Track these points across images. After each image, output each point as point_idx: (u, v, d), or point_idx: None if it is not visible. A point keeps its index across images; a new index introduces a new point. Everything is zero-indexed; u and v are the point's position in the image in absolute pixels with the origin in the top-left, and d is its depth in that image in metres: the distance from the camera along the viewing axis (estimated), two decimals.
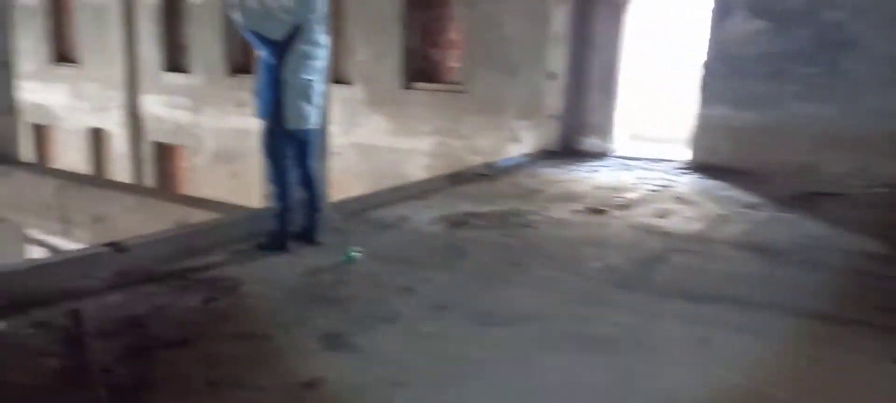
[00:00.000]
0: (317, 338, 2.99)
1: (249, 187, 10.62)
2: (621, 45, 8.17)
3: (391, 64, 9.44)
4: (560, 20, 8.06)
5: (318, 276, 3.80)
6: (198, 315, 3.21)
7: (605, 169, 7.64)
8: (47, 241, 6.44)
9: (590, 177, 7.17)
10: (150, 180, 12.38)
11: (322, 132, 4.32)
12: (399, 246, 4.55)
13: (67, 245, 6.35)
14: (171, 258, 3.92)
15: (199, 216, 5.13)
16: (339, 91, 9.04)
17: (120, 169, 12.77)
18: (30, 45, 13.77)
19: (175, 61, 12.07)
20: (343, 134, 9.42)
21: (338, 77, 9.36)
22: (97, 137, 13.37)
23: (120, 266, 3.67)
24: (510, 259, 4.32)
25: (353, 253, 4.10)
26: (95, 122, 13.23)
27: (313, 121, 4.19)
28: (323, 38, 4.17)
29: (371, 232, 4.79)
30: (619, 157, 8.25)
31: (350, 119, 9.71)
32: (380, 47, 9.52)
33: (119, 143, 12.75)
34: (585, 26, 8.21)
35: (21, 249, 6.83)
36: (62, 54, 13.72)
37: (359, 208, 5.36)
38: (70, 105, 13.60)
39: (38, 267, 3.36)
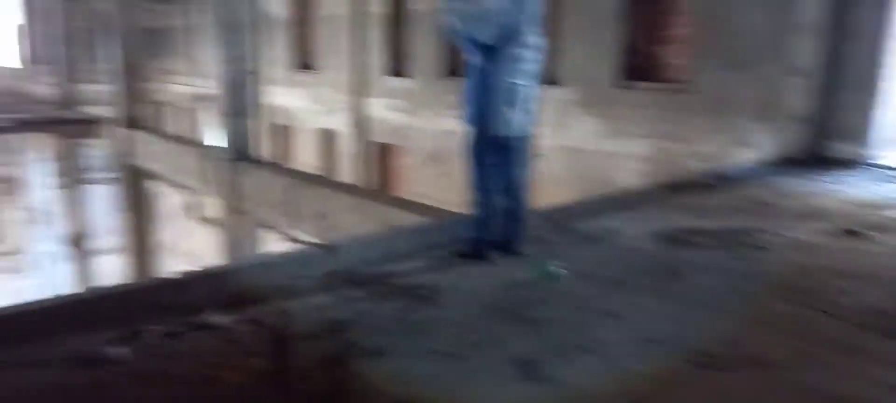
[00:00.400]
0: (510, 363, 2.78)
1: (457, 188, 10.86)
2: (889, 34, 6.80)
3: (606, 62, 8.96)
4: (809, 6, 6.94)
5: (517, 292, 3.59)
6: (395, 324, 3.18)
7: (862, 181, 6.42)
8: (280, 232, 7.10)
9: (842, 190, 6.06)
10: (371, 178, 13.28)
11: (529, 139, 4.11)
12: (606, 263, 4.17)
13: (297, 237, 6.98)
14: (376, 261, 3.98)
15: (405, 219, 5.24)
16: (549, 92, 8.79)
17: (346, 167, 13.88)
18: (278, 54, 15.58)
19: (397, 66, 12.78)
20: (551, 136, 9.15)
21: (548, 78, 9.11)
22: (328, 137, 14.68)
23: (329, 266, 3.82)
24: (737, 287, 3.72)
25: (555, 269, 3.83)
26: (327, 124, 14.53)
27: (520, 127, 3.99)
28: (535, 40, 3.94)
29: (576, 246, 4.47)
30: (882, 167, 6.89)
31: (559, 121, 9.41)
32: (595, 45, 9.08)
33: (346, 143, 13.85)
34: (842, 12, 6.98)
35: (256, 238, 7.67)
36: (303, 61, 15.29)
37: (563, 217, 5.07)
38: (308, 108, 15.11)
39: (259, 265, 3.60)
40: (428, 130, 11.90)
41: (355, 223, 5.86)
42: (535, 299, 3.49)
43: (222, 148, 7.69)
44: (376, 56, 12.96)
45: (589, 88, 9.27)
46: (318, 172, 13.83)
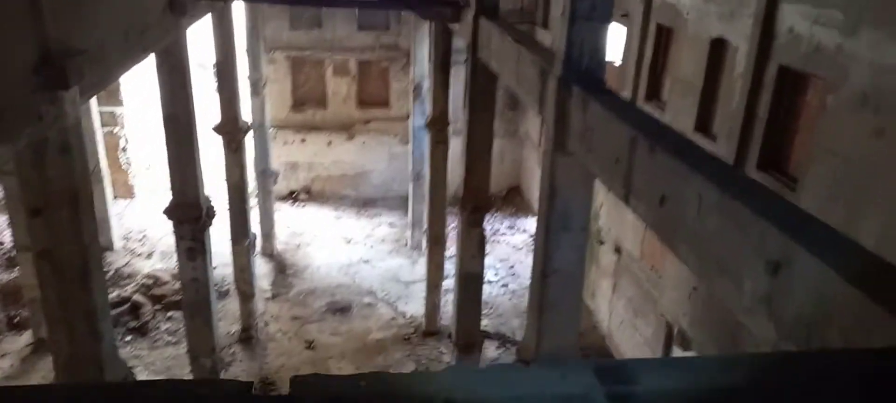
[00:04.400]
0: None
1: None
2: None
3: None
4: None
5: None
6: None
7: None
8: (612, 190, 5.02)
9: None
10: (763, 113, 9.95)
11: None
12: None
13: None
14: None
15: (813, 270, 2.65)
16: None
17: (734, 91, 10.73)
18: None
19: None
20: None
21: None
22: (718, 51, 11.52)
23: None
24: None
25: None
26: (720, 31, 11.35)
27: None
28: None
29: None
30: None
31: None
32: None
33: (740, 63, 10.60)
34: None
35: (581, 195, 5.73)
36: None
37: None
38: (699, 7, 12.04)
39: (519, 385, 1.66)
40: (871, 60, 8.03)
41: (712, 232, 3.47)
42: None
43: (562, 61, 5.79)
44: None
45: None
46: (677, 125, 11.12)
